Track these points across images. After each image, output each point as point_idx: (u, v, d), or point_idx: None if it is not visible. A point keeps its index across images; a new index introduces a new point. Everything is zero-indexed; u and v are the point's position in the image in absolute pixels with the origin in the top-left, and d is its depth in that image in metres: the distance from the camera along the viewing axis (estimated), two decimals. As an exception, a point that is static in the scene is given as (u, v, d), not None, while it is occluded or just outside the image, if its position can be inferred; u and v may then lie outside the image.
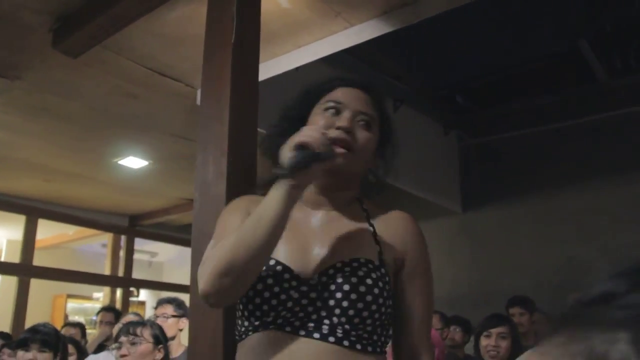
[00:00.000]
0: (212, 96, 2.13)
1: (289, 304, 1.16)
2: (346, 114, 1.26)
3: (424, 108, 5.51)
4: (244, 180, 1.95)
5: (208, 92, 2.16)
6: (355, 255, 1.23)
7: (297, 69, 3.59)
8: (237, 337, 1.27)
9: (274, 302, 1.16)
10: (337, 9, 3.07)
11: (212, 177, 2.05)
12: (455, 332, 4.17)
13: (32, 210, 6.16)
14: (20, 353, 2.52)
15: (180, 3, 2.91)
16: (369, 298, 1.17)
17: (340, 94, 1.30)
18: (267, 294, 1.17)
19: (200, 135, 2.13)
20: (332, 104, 1.27)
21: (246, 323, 1.21)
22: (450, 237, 5.91)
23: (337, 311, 1.15)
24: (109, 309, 4.87)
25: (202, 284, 1.13)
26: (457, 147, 6.10)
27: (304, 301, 1.17)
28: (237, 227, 1.19)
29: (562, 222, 5.18)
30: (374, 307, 1.17)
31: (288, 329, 1.16)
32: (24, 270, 6.04)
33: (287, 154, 1.12)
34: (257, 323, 1.19)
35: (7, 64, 3.58)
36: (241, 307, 1.22)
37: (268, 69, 3.50)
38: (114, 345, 2.83)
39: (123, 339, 2.67)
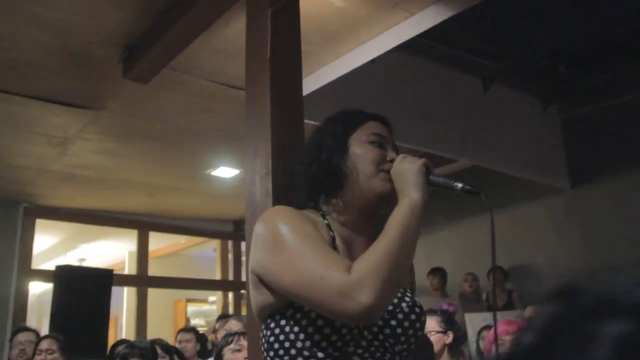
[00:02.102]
0: (255, 115, 2.09)
1: (365, 332, 1.19)
2: (391, 149, 1.34)
3: (518, 84, 5.15)
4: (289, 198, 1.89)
5: (250, 111, 2.11)
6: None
7: (373, 60, 3.47)
8: None
9: (355, 330, 1.17)
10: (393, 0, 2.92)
11: (259, 196, 2.01)
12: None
13: (142, 225, 6.53)
14: None
15: (233, 18, 2.89)
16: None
17: (377, 128, 1.37)
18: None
19: (247, 155, 2.09)
20: (375, 138, 1.34)
21: (320, 355, 1.16)
22: (560, 217, 5.52)
23: (403, 339, 1.24)
24: (224, 316, 5.03)
25: (371, 297, 1.05)
26: (559, 120, 5.66)
27: (375, 329, 1.21)
28: (318, 236, 1.19)
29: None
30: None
31: None
32: (141, 280, 6.42)
33: (418, 169, 1.21)
34: (336, 354, 1.16)
35: (90, 97, 3.77)
36: (317, 337, 1.16)
37: (334, 69, 3.42)
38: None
39: (225, 349, 2.73)
